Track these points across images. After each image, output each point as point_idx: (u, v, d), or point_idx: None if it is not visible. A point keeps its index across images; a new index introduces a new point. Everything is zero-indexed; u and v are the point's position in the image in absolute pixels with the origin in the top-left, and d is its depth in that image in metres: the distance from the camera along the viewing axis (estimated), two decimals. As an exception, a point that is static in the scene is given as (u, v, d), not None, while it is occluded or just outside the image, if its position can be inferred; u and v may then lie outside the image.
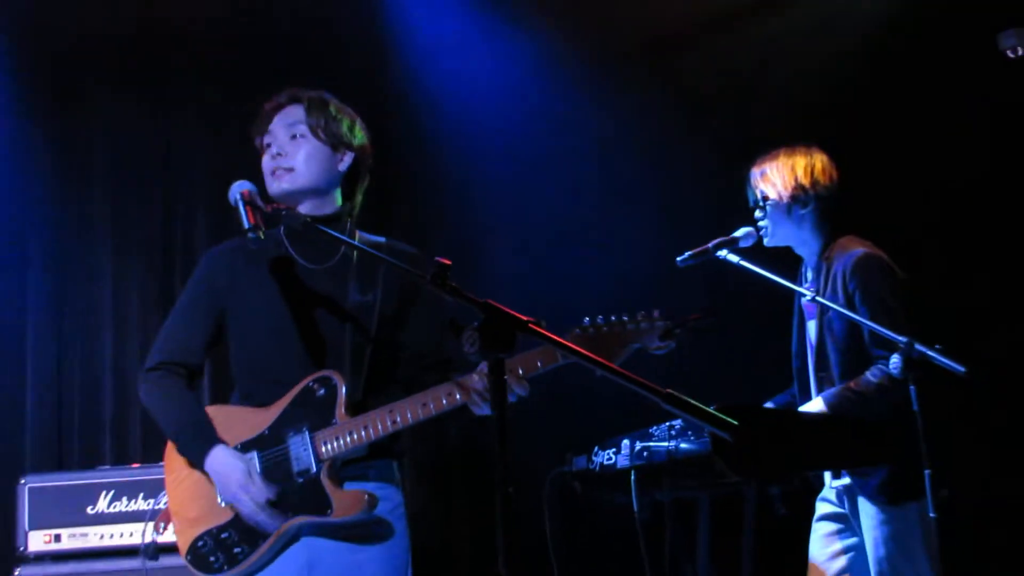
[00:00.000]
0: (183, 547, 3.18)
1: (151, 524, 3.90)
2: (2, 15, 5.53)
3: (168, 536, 3.26)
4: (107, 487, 4.66)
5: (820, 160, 3.96)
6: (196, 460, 3.14)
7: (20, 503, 4.63)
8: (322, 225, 3.12)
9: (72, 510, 4.63)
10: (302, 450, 3.08)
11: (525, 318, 2.35)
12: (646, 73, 5.91)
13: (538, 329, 2.36)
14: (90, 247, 5.80)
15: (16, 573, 4.53)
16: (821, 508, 3.96)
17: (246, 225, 2.93)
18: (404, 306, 3.24)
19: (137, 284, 5.81)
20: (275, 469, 3.10)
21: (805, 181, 3.91)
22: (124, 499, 4.65)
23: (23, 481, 4.66)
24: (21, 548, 4.58)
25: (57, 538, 4.62)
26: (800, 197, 3.90)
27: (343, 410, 3.07)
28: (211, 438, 3.14)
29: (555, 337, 2.41)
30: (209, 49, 5.82)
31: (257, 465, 3.10)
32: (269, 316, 3.18)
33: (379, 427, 3.02)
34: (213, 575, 3.09)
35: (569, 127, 5.91)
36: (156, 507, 4.41)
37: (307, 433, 3.08)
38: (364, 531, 3.09)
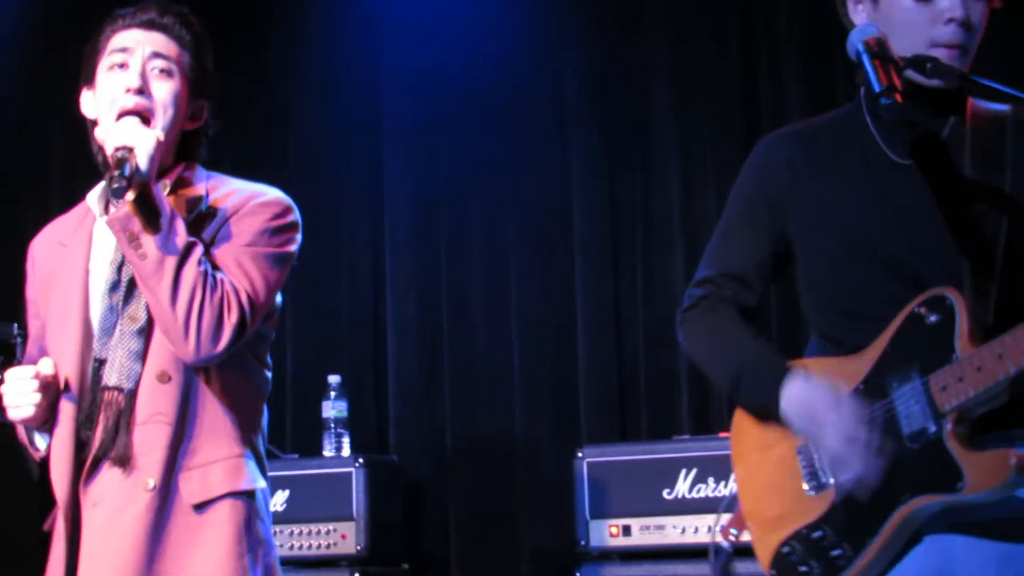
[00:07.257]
0: (764, 558, 2.35)
1: (719, 525, 3.08)
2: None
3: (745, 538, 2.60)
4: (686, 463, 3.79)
5: None
6: (768, 404, 2.28)
7: (579, 482, 3.86)
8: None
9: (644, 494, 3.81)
10: (913, 403, 2.14)
11: None
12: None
13: None
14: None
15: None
16: None
17: (876, 88, 2.10)
18: None
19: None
20: (881, 435, 2.17)
21: None
22: (709, 479, 3.78)
23: (580, 454, 3.88)
24: (583, 542, 3.87)
25: (627, 530, 3.85)
26: None
27: (967, 340, 2.10)
28: (782, 370, 2.28)
29: None
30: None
31: None
32: (849, 230, 2.30)
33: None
34: None
35: None
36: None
37: (918, 379, 2.14)
38: (1017, 516, 2.10)
